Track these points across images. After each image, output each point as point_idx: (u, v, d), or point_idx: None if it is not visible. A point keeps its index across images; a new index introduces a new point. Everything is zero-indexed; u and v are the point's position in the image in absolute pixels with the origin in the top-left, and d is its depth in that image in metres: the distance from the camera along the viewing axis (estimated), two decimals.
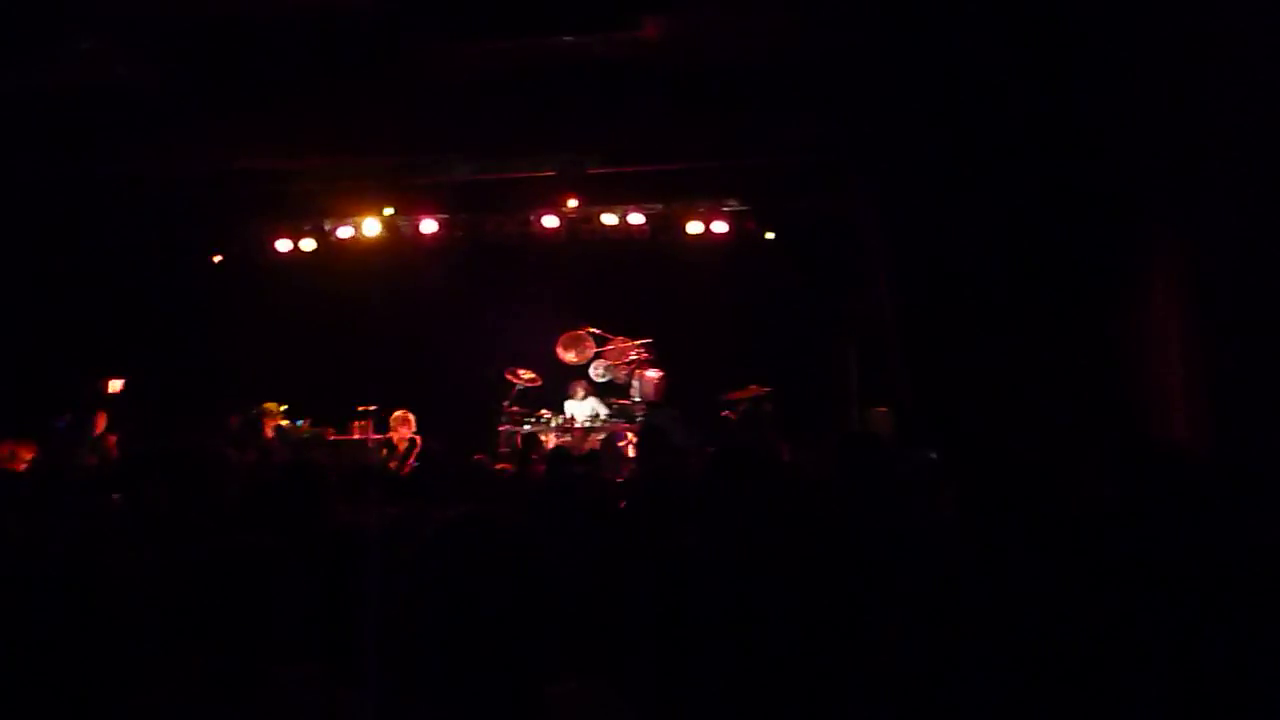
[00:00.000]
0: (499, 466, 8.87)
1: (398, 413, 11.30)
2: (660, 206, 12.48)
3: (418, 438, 11.14)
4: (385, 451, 11.04)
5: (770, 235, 12.36)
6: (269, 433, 11.17)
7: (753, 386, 11.89)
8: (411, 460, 10.80)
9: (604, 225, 12.55)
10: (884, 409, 9.86)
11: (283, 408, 11.58)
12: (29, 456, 8.50)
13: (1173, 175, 7.29)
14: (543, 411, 12.56)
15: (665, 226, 12.63)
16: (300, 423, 11.92)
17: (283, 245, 13.10)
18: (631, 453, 11.02)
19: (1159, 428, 7.47)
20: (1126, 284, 7.96)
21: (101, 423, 10.80)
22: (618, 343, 12.87)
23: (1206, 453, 6.48)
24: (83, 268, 11.90)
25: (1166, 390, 7.50)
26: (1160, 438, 6.89)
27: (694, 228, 12.50)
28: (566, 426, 12.33)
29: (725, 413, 11.80)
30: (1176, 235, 7.40)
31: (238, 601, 2.60)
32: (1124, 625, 2.92)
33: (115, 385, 12.02)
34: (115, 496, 4.98)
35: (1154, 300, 7.68)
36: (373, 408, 11.90)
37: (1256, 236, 6.25)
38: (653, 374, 12.56)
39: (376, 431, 11.68)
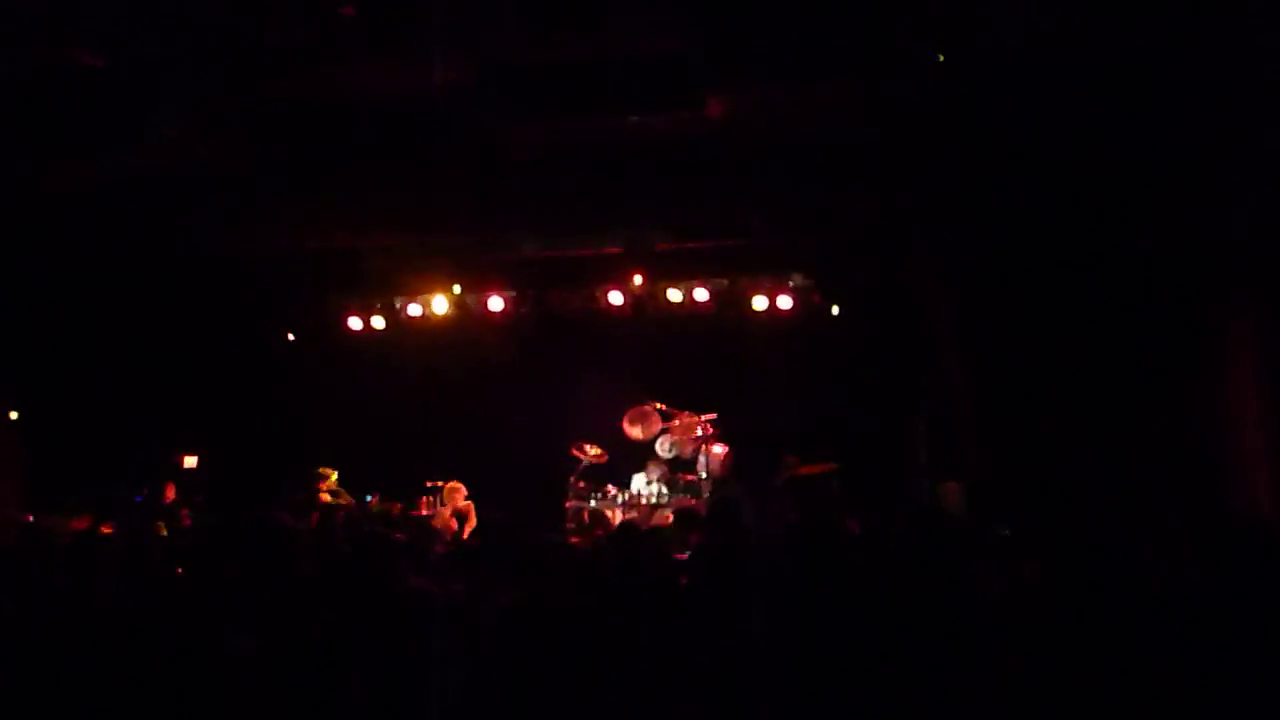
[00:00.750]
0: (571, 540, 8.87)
1: (450, 484, 11.41)
2: (725, 282, 12.51)
3: (468, 506, 11.24)
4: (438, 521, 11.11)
5: (836, 310, 12.30)
6: (324, 497, 11.23)
7: (822, 463, 11.76)
8: (466, 531, 10.89)
9: (669, 301, 12.60)
10: (955, 484, 9.70)
11: (333, 474, 11.64)
12: (107, 533, 8.69)
13: (1248, 244, 7.19)
14: (609, 487, 12.53)
15: (731, 302, 12.64)
16: (370, 498, 12.02)
17: (354, 323, 13.34)
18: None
19: (1242, 501, 7.28)
20: (1203, 356, 7.82)
21: (171, 493, 11.00)
22: (684, 418, 12.83)
23: None
24: (161, 346, 12.22)
25: (1247, 464, 7.32)
26: (1245, 513, 6.71)
27: (759, 303, 12.50)
28: (633, 503, 12.27)
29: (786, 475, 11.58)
30: (1253, 305, 7.27)
31: (315, 676, 2.62)
32: (1210, 705, 2.82)
33: (190, 461, 12.26)
34: (179, 570, 5.03)
35: (1231, 371, 7.53)
36: (440, 483, 11.98)
37: None
38: (719, 449, 12.49)
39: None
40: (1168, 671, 3.02)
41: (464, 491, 11.50)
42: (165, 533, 9.28)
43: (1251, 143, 6.97)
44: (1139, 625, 3.17)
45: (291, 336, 13.49)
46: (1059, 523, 7.02)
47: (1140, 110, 7.52)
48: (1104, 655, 3.01)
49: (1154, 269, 7.93)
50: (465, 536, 10.88)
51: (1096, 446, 8.00)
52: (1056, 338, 8.25)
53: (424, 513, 11.80)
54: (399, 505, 11.86)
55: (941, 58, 7.64)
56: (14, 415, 11.69)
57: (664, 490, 12.42)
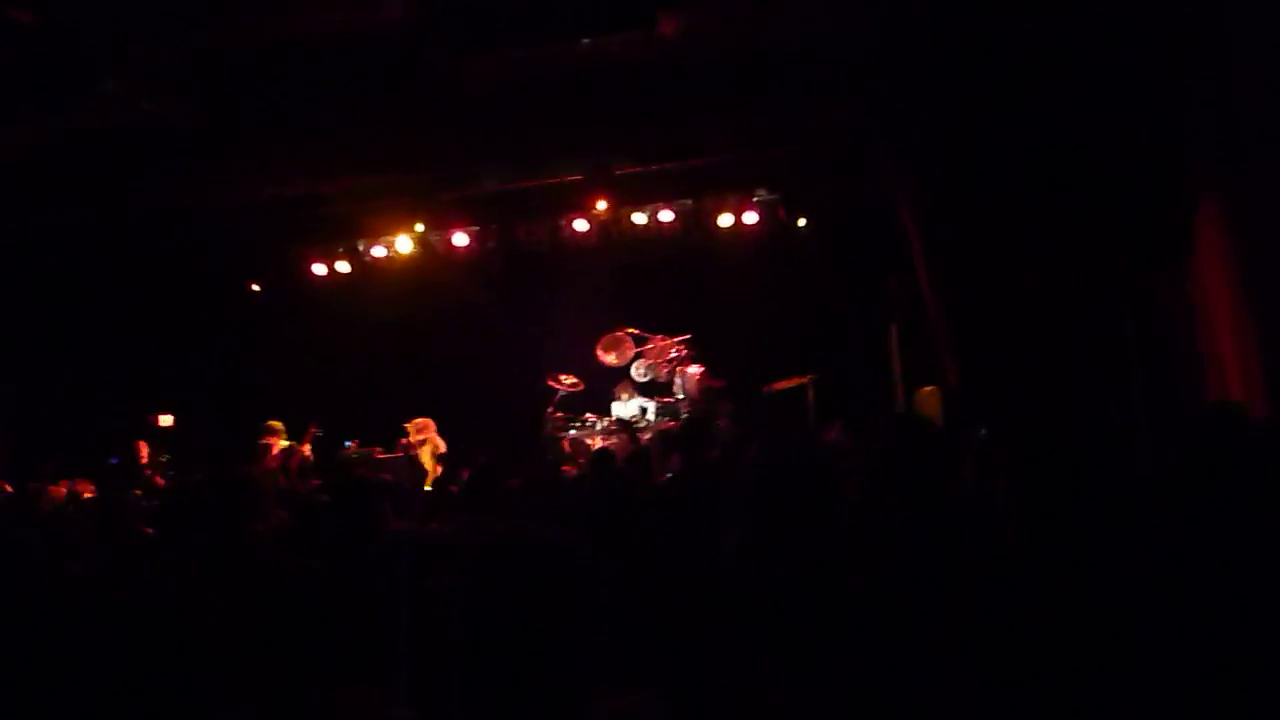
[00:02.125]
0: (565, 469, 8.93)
1: (417, 420, 11.40)
2: (690, 202, 12.44)
3: (441, 444, 11.25)
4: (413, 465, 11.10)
5: (802, 222, 12.25)
6: (275, 450, 11.17)
7: (795, 376, 11.80)
8: (439, 467, 10.92)
9: (635, 225, 12.52)
10: (930, 389, 9.75)
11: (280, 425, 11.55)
12: (87, 494, 8.66)
13: (1214, 143, 7.17)
14: (588, 415, 12.56)
15: (696, 222, 12.59)
16: (348, 443, 11.99)
17: (318, 269, 13.21)
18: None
19: (1214, 394, 7.36)
20: (1171, 254, 7.83)
21: (144, 453, 10.94)
22: (657, 341, 12.82)
23: (1263, 415, 6.37)
24: (124, 307, 12.08)
25: (1217, 353, 7.38)
26: (1219, 401, 6.78)
27: (725, 220, 12.44)
28: (612, 429, 12.31)
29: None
30: (1219, 202, 7.27)
31: (294, 626, 2.62)
32: (1199, 591, 2.85)
33: (165, 420, 12.18)
34: (148, 530, 5.02)
35: (1200, 268, 7.56)
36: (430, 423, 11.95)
37: None
38: (694, 370, 12.51)
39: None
40: (1145, 560, 3.05)
41: (433, 426, 11.47)
42: (140, 494, 9.23)
43: (1213, 29, 6.91)
44: (1116, 515, 3.19)
45: (256, 288, 13.34)
46: (1031, 422, 7.07)
47: (1112, 14, 7.44)
48: (1079, 550, 3.03)
49: (1119, 162, 7.90)
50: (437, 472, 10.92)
51: (1068, 349, 8.04)
52: (1025, 237, 8.23)
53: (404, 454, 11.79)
54: (378, 449, 11.86)
55: None
56: None
57: (649, 409, 12.42)
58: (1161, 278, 7.94)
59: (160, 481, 10.30)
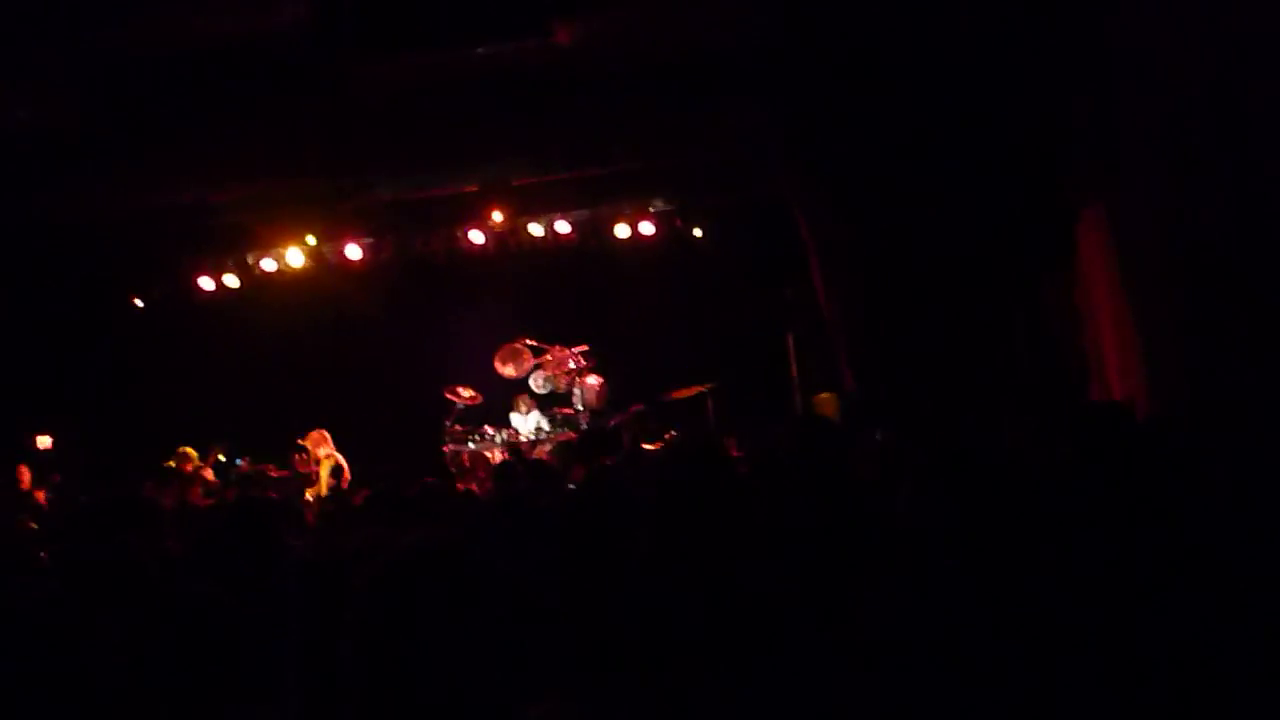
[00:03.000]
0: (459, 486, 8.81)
1: (313, 434, 11.20)
2: (586, 212, 12.43)
3: (340, 459, 11.08)
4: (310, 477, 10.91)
5: (698, 232, 12.34)
6: (187, 472, 10.87)
7: (694, 385, 11.87)
8: (336, 481, 10.76)
9: (532, 235, 12.46)
10: (827, 395, 9.89)
11: (194, 453, 11.27)
12: None
13: (1095, 150, 7.43)
14: (485, 428, 12.44)
15: (593, 232, 12.58)
16: (240, 461, 11.70)
17: (206, 283, 12.82)
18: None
19: (1098, 394, 7.61)
20: (1055, 258, 8.10)
21: (25, 476, 10.51)
22: (555, 352, 12.77)
23: (1143, 411, 6.61)
24: (2, 322, 11.58)
25: (1101, 359, 7.64)
26: (1106, 401, 7.01)
27: (622, 231, 12.46)
28: (511, 441, 12.22)
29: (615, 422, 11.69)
30: (1100, 208, 7.54)
31: (189, 650, 2.54)
32: (1097, 581, 2.93)
33: (44, 441, 11.72)
34: (43, 554, 4.82)
35: (1084, 272, 7.82)
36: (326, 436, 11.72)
37: (1172, 204, 6.40)
38: (593, 380, 12.49)
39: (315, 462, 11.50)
40: (1048, 555, 3.12)
41: (329, 439, 11.28)
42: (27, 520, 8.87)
43: (1093, 39, 7.16)
44: (1012, 510, 3.27)
45: (140, 303, 12.90)
46: (927, 423, 7.24)
47: (989, 7, 7.66)
48: (982, 546, 3.09)
49: (1008, 182, 8.15)
50: (343, 486, 10.73)
51: (961, 352, 8.25)
52: (916, 242, 8.43)
53: (299, 470, 11.55)
54: (272, 466, 11.59)
55: None
56: None
57: (544, 425, 12.38)
58: (1048, 281, 8.19)
59: (46, 504, 9.91)
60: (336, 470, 11.04)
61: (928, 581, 2.88)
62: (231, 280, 12.81)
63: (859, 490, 3.92)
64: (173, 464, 10.76)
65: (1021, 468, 4.08)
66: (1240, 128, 5.70)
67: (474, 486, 9.63)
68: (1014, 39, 7.76)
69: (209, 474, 10.94)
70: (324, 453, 11.17)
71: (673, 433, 10.87)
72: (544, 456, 11.40)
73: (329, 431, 11.34)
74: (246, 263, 12.70)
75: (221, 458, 11.33)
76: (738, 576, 3.07)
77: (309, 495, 10.60)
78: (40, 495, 10.20)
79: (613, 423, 11.77)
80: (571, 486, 7.51)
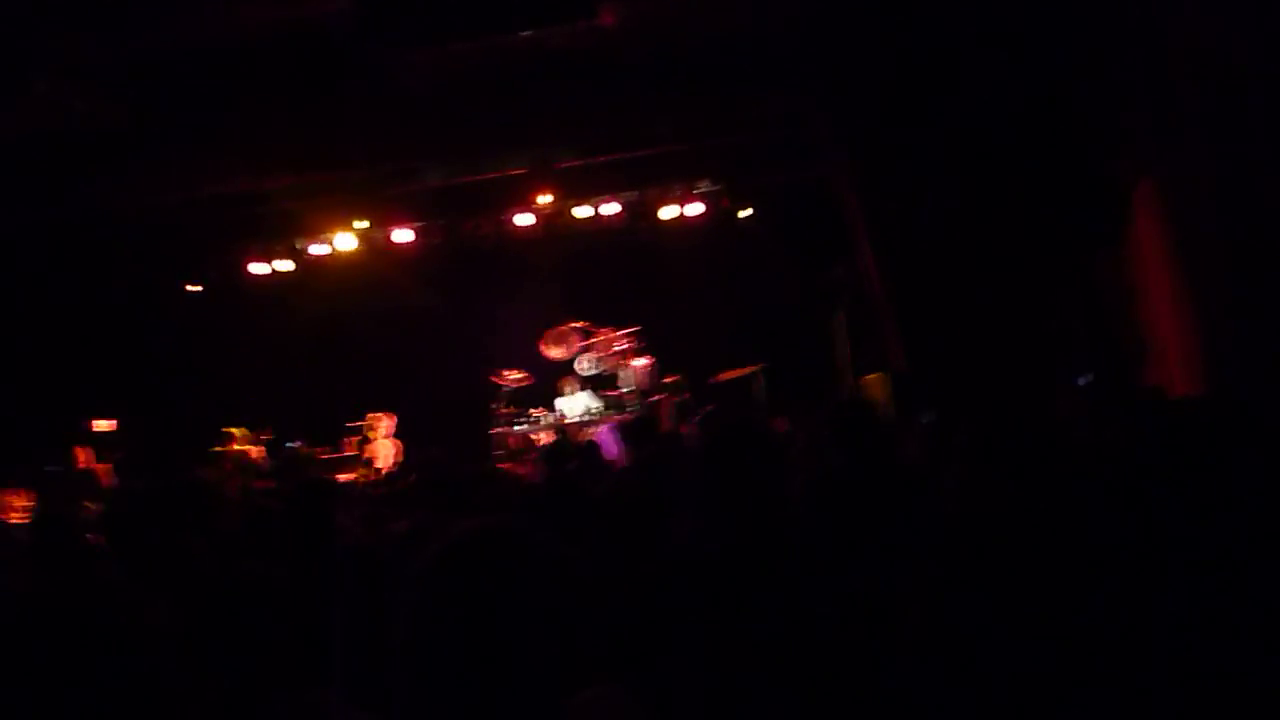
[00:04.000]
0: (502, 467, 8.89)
1: (378, 415, 11.35)
2: (634, 194, 12.40)
3: (396, 443, 11.23)
4: (366, 463, 11.05)
5: (744, 213, 12.28)
6: (233, 451, 11.07)
7: (745, 366, 11.83)
8: (393, 464, 10.88)
9: (579, 218, 12.47)
10: (877, 376, 9.82)
11: (240, 431, 11.47)
12: (20, 504, 8.46)
13: (1149, 126, 7.29)
14: (534, 410, 12.50)
15: (641, 213, 12.55)
16: (295, 444, 11.85)
17: (259, 268, 12.98)
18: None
19: (1154, 376, 7.49)
20: (1109, 236, 7.96)
21: (82, 458, 10.73)
22: (603, 334, 12.79)
23: (1202, 396, 6.49)
24: (62, 310, 11.81)
25: (1158, 338, 7.51)
26: (1157, 386, 6.91)
27: (669, 212, 12.43)
28: (559, 424, 12.26)
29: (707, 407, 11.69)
30: (1155, 185, 7.40)
31: (248, 630, 2.58)
32: (1143, 568, 2.89)
33: (105, 425, 11.95)
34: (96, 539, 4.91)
35: (1138, 250, 7.68)
36: (364, 422, 11.87)
37: (1226, 180, 6.27)
38: (641, 362, 12.49)
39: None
40: (1098, 541, 3.08)
41: (385, 422, 11.46)
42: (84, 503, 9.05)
43: (1146, 12, 7.03)
44: (1062, 494, 3.23)
45: (196, 288, 13.11)
46: (979, 405, 7.17)
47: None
48: (1029, 529, 3.06)
49: (1060, 158, 8.02)
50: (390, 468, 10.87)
51: (1014, 332, 8.15)
52: (966, 220, 8.33)
53: (349, 453, 11.70)
54: (326, 448, 11.73)
55: None
56: None
57: (592, 406, 12.39)
58: (1102, 260, 8.06)
59: (105, 483, 10.12)
60: (388, 454, 11.19)
61: (974, 571, 2.86)
62: (283, 265, 12.96)
63: (905, 473, 3.89)
64: (218, 449, 10.95)
65: (1074, 450, 4.03)
66: None
67: (521, 468, 9.69)
68: (1066, 14, 7.63)
69: (253, 453, 11.10)
70: (383, 436, 11.32)
71: (708, 409, 10.89)
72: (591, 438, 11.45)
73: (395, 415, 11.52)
74: (297, 248, 12.85)
75: (270, 438, 11.48)
76: (780, 561, 3.07)
77: (355, 478, 10.73)
78: (101, 471, 10.40)
79: (652, 399, 11.81)
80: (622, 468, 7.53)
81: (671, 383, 11.86)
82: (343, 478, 10.81)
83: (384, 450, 11.34)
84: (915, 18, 8.06)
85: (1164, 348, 7.39)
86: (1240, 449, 3.43)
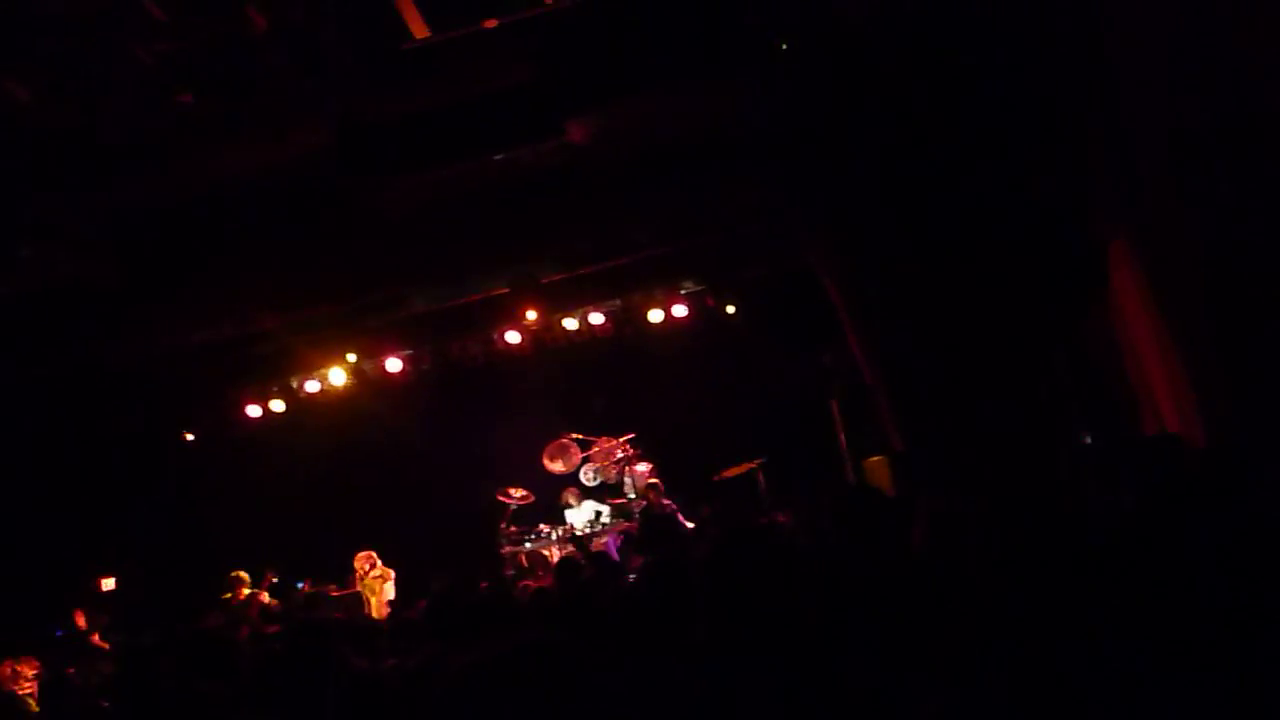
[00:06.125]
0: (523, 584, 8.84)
1: (359, 555, 11.29)
2: (618, 301, 12.51)
3: (388, 572, 11.13)
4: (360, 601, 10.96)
5: (731, 309, 12.38)
6: (242, 597, 10.94)
7: (744, 463, 11.80)
8: (381, 597, 10.80)
9: (567, 330, 12.55)
10: (878, 459, 9.79)
11: (247, 576, 11.37)
12: (31, 672, 8.33)
13: (1113, 187, 7.43)
14: (541, 526, 12.42)
15: (627, 320, 12.64)
16: (301, 584, 11.72)
17: (253, 411, 13.00)
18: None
19: (1150, 428, 7.50)
20: (1090, 294, 8.04)
21: (81, 621, 10.60)
22: (602, 443, 12.79)
23: (1201, 443, 6.50)
24: (59, 468, 11.78)
25: (1150, 390, 7.54)
26: (1162, 436, 6.92)
27: (655, 316, 12.52)
28: (568, 536, 12.17)
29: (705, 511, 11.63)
30: (1129, 243, 7.51)
31: None
32: (1166, 626, 2.85)
33: (108, 584, 11.83)
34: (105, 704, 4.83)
35: (1118, 304, 7.76)
36: (374, 554, 11.77)
37: (1191, 225, 6.38)
38: (643, 467, 12.47)
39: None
40: (1121, 599, 3.05)
41: (375, 558, 11.40)
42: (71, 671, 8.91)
43: (1102, 72, 7.20)
44: (1083, 557, 3.21)
45: (191, 436, 13.11)
46: (985, 476, 7.15)
47: (1012, 71, 7.72)
48: (1054, 599, 3.03)
49: (1037, 227, 8.13)
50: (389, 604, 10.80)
51: (1008, 400, 8.16)
52: (948, 293, 8.40)
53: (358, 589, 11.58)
54: (333, 586, 11.61)
55: (784, 46, 7.76)
56: None
57: (603, 512, 12.31)
58: (1087, 321, 8.12)
59: (103, 645, 9.97)
60: (386, 588, 11.11)
61: (990, 660, 2.82)
62: (278, 405, 12.98)
63: (914, 561, 3.85)
64: (227, 595, 10.84)
65: (1080, 516, 4.01)
66: (1245, 141, 5.70)
67: (538, 582, 9.59)
68: (1025, 83, 7.81)
69: (264, 597, 10.98)
70: (374, 573, 11.25)
71: (707, 510, 10.84)
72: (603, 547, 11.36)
73: (383, 547, 11.42)
74: (291, 387, 12.89)
75: (275, 580, 11.37)
76: (796, 661, 3.02)
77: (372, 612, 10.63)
78: (95, 638, 10.26)
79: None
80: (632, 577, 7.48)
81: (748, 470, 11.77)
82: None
83: (374, 586, 11.25)
84: (881, 102, 8.23)
85: (1157, 398, 7.42)
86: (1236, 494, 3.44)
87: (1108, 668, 2.76)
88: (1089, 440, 7.98)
